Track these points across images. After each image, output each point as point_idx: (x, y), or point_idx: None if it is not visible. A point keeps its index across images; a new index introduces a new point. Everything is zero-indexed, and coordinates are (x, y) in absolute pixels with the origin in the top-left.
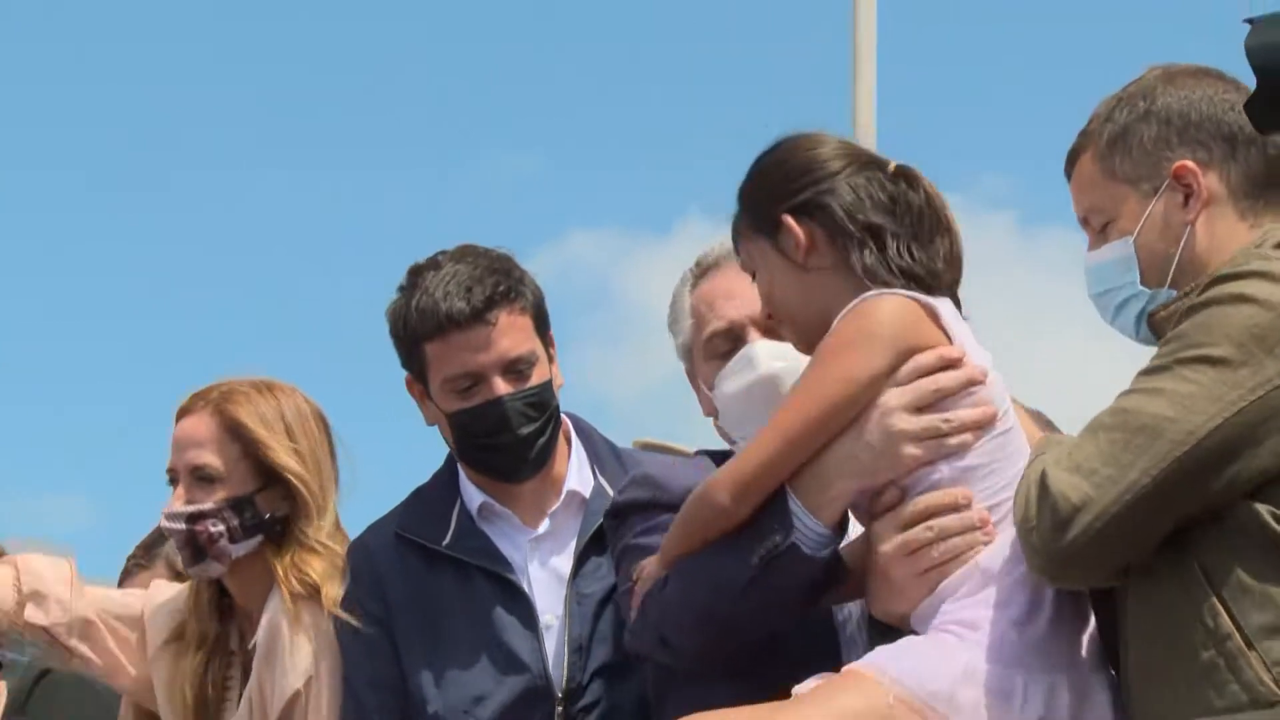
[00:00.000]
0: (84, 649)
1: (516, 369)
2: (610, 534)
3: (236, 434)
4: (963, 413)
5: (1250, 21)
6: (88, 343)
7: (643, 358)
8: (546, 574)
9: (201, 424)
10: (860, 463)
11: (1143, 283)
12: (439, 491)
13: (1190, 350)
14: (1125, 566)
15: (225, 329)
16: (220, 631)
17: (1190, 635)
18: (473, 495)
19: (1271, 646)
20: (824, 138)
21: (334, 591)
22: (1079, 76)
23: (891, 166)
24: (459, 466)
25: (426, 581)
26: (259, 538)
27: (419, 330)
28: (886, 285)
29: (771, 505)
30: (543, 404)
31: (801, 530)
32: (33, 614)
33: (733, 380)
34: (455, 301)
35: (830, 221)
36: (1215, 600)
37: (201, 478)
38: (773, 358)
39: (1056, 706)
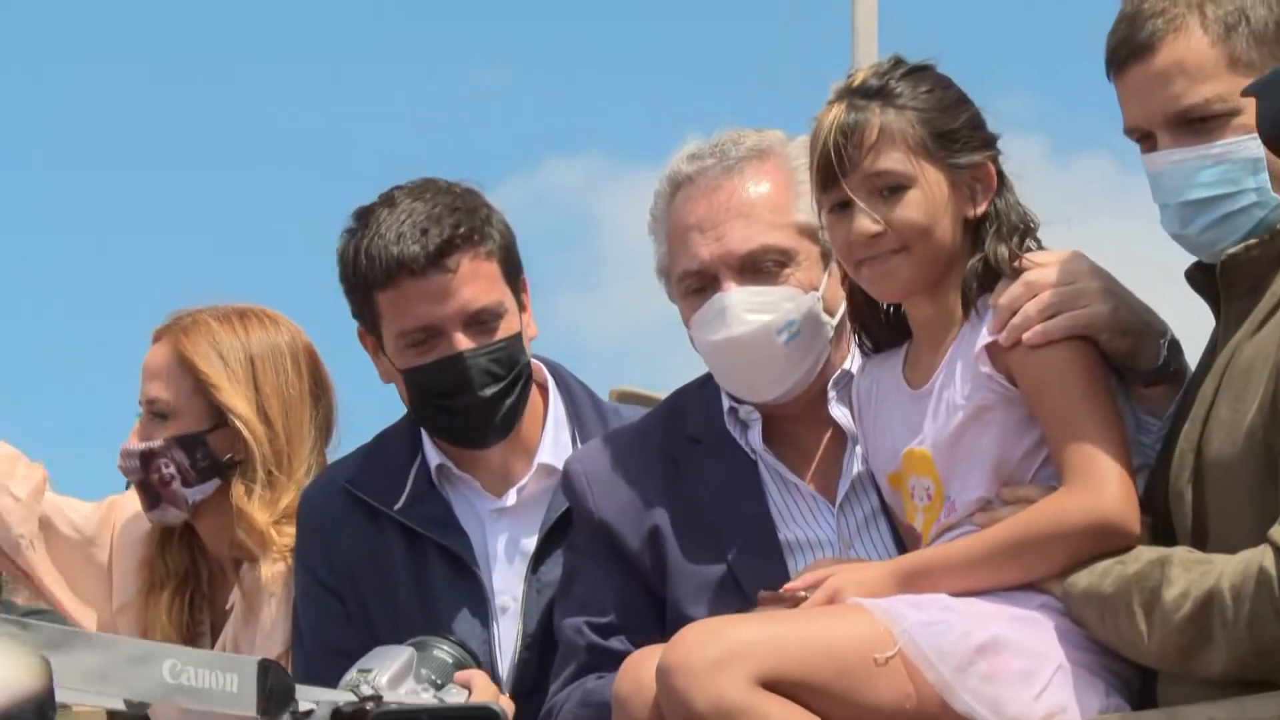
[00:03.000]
0: (36, 568)
1: (480, 321)
2: None
3: (187, 369)
4: None
5: (1252, 93)
6: None
7: (623, 301)
8: (508, 550)
9: (159, 355)
10: None
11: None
12: (400, 443)
13: None
14: None
15: (186, 250)
16: (191, 569)
17: None
18: (432, 454)
19: None
20: None
21: (272, 556)
22: None
23: None
24: None
25: (374, 546)
26: (215, 481)
27: (369, 277)
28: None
29: None
30: (509, 361)
31: None
32: None
33: (706, 332)
34: (409, 245)
35: (1002, 189)
36: None
37: (155, 413)
38: (749, 310)
39: (1079, 701)
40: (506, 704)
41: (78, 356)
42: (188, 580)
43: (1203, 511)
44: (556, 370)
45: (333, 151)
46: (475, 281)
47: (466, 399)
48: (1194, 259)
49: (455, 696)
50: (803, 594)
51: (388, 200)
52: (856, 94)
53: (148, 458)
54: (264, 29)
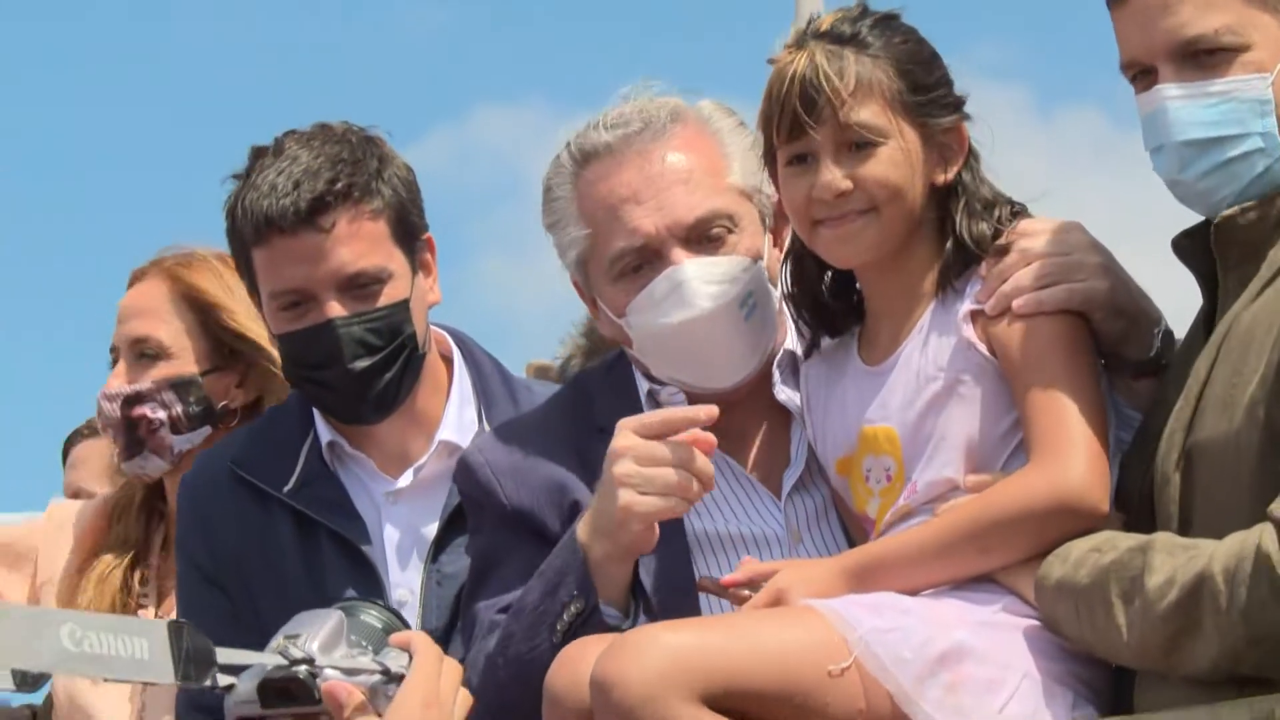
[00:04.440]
0: None
1: (358, 286)
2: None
3: (192, 302)
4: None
5: None
6: None
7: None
8: (405, 538)
9: (150, 290)
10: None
11: None
12: (291, 419)
13: None
14: None
15: (99, 198)
16: (142, 540)
17: None
18: (324, 430)
19: None
20: None
21: None
22: None
23: None
24: None
25: (262, 533)
26: (206, 429)
27: (243, 232)
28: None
29: (567, 559)
30: (390, 331)
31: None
32: None
33: (658, 313)
34: (280, 199)
35: (970, 159)
36: None
37: (143, 354)
38: (709, 283)
39: (1047, 711)
40: (452, 667)
41: None
42: (135, 552)
43: (1190, 496)
44: (463, 341)
45: (239, 95)
46: (354, 242)
47: (336, 371)
48: (1180, 230)
49: (396, 660)
50: (745, 591)
51: (276, 148)
52: (827, 39)
53: (133, 401)
54: None
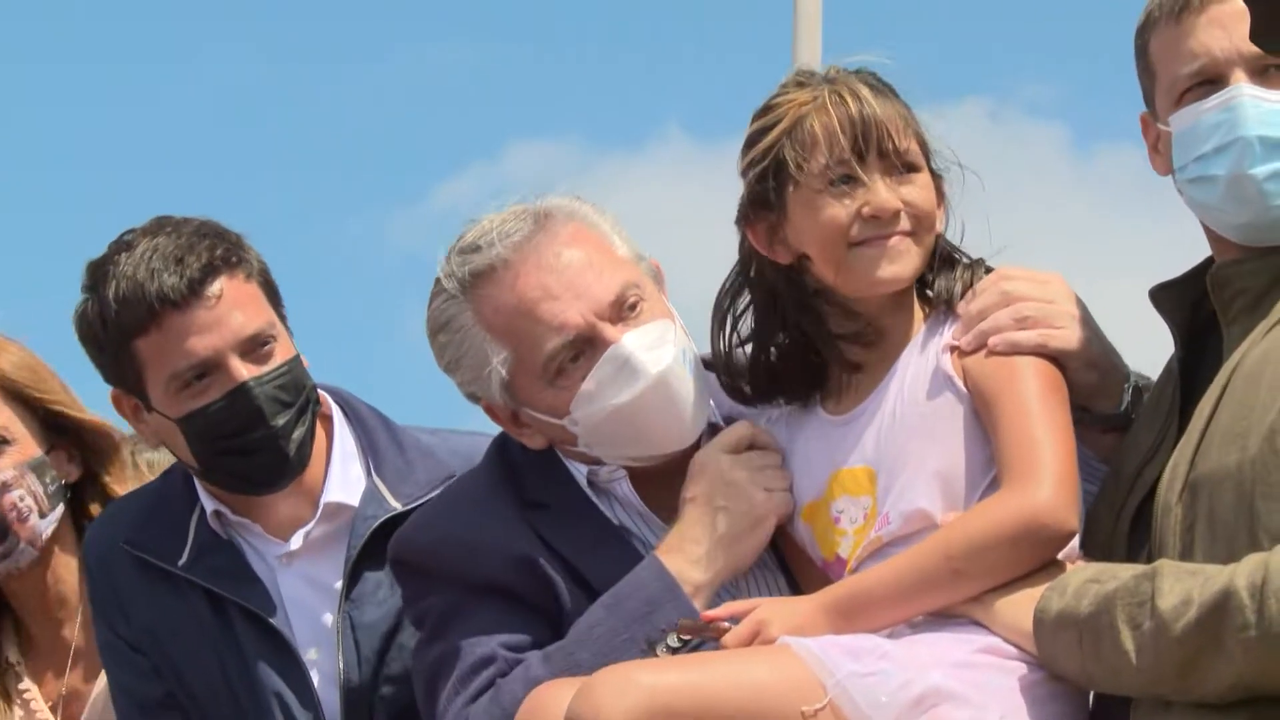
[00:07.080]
0: None
1: (258, 346)
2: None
3: (9, 388)
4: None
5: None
6: None
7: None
8: (305, 598)
9: None
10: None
11: None
12: (176, 493)
13: None
14: None
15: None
16: None
17: None
18: (206, 500)
19: None
20: None
21: None
22: None
23: None
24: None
25: (169, 605)
26: (60, 508)
27: (126, 324)
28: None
29: (651, 574)
30: (295, 386)
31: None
32: None
33: (610, 395)
34: (165, 277)
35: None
36: None
37: None
38: (649, 349)
39: None
40: None
41: None
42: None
43: (1193, 525)
44: (341, 398)
45: (267, 140)
46: (243, 305)
47: (260, 433)
48: (1158, 283)
49: None
50: (725, 624)
51: (123, 245)
52: (855, 79)
53: (1, 491)
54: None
